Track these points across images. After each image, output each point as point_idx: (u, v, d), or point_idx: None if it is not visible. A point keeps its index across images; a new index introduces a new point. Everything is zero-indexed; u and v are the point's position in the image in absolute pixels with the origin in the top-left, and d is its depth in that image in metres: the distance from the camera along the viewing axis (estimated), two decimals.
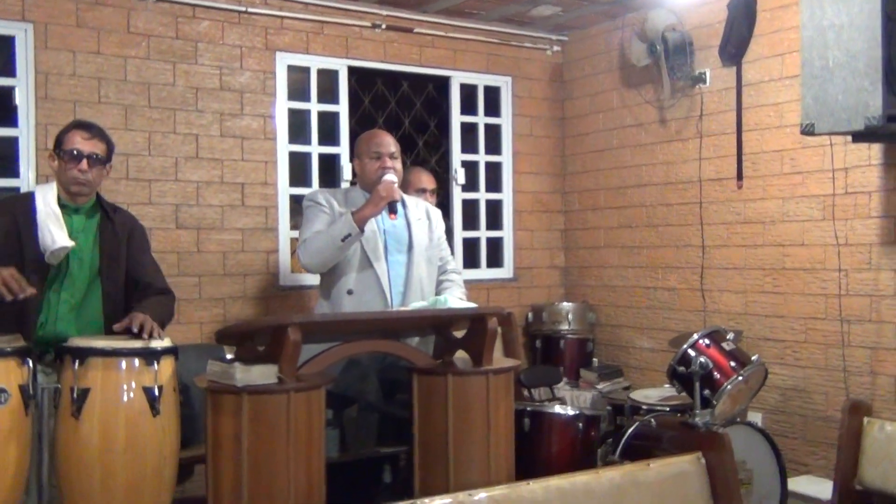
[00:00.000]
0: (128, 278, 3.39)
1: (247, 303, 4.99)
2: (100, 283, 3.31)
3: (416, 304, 3.60)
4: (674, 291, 5.46)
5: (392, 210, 3.67)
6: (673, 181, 5.47)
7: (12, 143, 4.49)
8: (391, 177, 3.67)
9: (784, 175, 4.80)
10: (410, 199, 3.97)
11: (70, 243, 3.19)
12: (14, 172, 4.49)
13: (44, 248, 3.16)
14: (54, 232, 3.18)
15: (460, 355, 3.54)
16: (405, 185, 4.59)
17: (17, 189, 4.46)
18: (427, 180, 4.67)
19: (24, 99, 4.48)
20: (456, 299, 3.58)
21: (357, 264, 3.69)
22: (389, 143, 3.80)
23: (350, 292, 3.68)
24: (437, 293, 3.84)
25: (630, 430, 4.01)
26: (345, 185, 5.37)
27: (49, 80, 4.51)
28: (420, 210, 3.92)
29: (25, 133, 4.48)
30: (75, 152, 3.27)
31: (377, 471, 3.69)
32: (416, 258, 3.76)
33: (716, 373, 3.93)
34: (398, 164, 3.79)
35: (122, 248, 3.38)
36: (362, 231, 3.58)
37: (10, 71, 4.50)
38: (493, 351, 3.37)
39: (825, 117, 3.68)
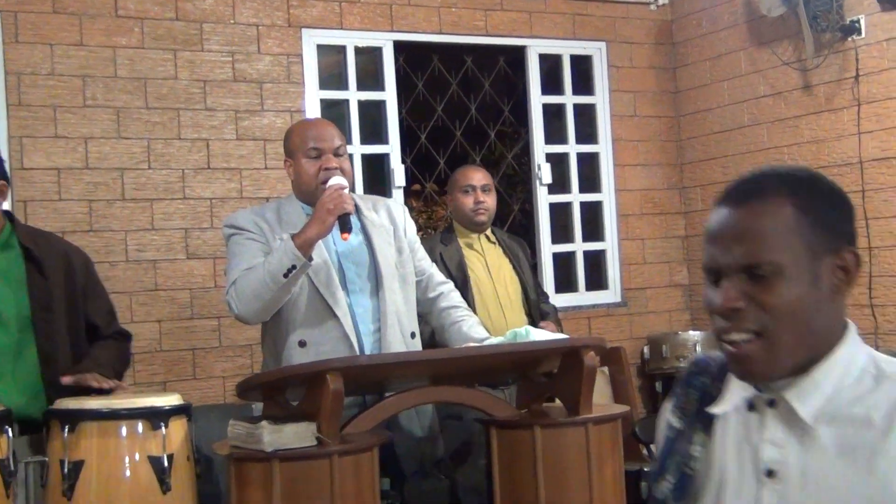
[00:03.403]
0: (75, 328, 3.41)
1: None
2: (34, 343, 3.30)
3: (491, 341, 3.62)
4: None
5: (345, 227, 3.40)
6: (825, 164, 5.40)
7: None
8: (338, 180, 3.46)
9: None
10: (363, 201, 3.75)
11: None
12: None
13: None
14: None
15: (551, 404, 3.57)
16: (451, 190, 4.59)
17: None
18: (476, 175, 4.52)
19: None
20: (540, 330, 3.60)
21: (305, 305, 3.49)
22: (333, 136, 3.59)
23: (302, 344, 3.47)
24: (438, 324, 3.75)
25: None
26: (397, 191, 5.46)
27: (22, 81, 4.70)
28: (379, 213, 3.72)
29: None
30: None
31: None
32: (387, 281, 3.56)
33: None
34: (346, 164, 3.59)
35: (56, 292, 3.36)
36: (310, 259, 3.36)
37: None
38: (592, 394, 3.38)
39: None
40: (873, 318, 5.18)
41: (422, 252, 3.80)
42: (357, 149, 5.43)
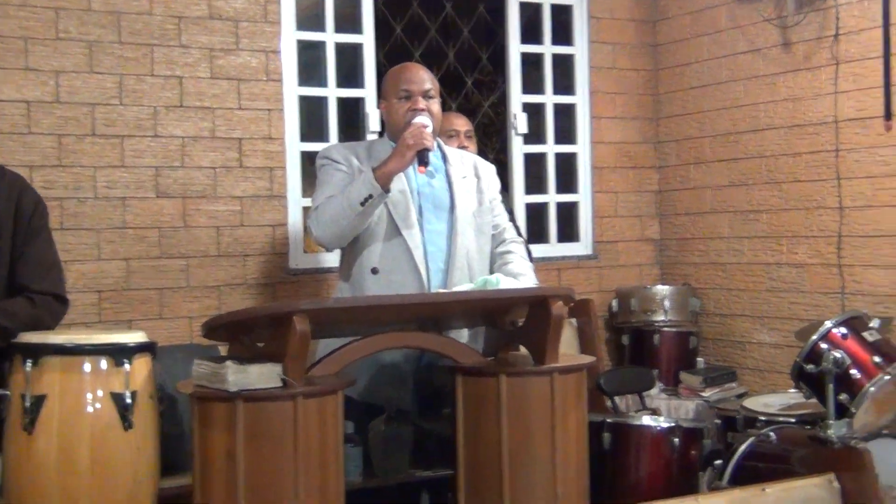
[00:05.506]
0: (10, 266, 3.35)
1: (248, 291, 5.08)
2: None
3: (460, 287, 3.64)
4: (803, 268, 5.42)
5: (422, 161, 3.64)
6: (801, 123, 5.42)
7: None
8: (422, 119, 3.70)
9: None
10: (454, 152, 4.03)
11: None
12: None
13: None
14: None
15: (519, 352, 3.58)
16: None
17: None
18: (458, 122, 4.75)
19: None
20: (509, 279, 3.60)
21: (383, 235, 3.74)
22: (423, 79, 3.85)
23: (374, 271, 3.73)
24: (494, 270, 3.88)
25: (742, 449, 4.02)
26: (372, 137, 5.43)
27: None
28: (466, 165, 3.98)
29: None
30: None
31: (411, 500, 3.74)
32: (461, 226, 3.82)
33: (854, 371, 3.91)
34: (435, 106, 3.84)
35: (5, 223, 3.34)
36: (387, 191, 3.61)
37: None
38: (558, 344, 3.39)
39: None
40: (841, 277, 5.20)
41: (500, 209, 4.03)
42: (333, 92, 5.38)
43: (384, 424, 3.59)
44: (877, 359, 3.95)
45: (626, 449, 4.05)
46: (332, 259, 5.02)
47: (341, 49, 5.44)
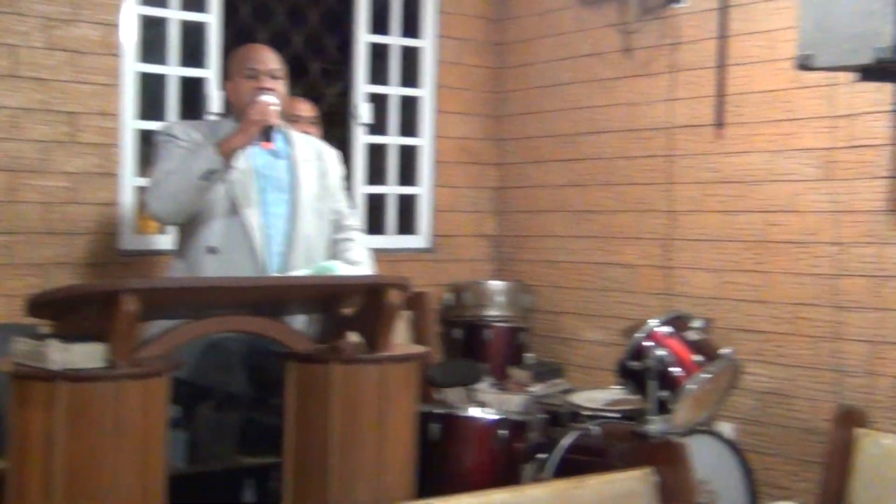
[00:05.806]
0: None
1: (75, 270, 4.94)
2: None
3: (297, 272, 3.65)
4: (632, 269, 5.57)
5: (267, 137, 3.71)
6: (637, 128, 5.57)
7: None
8: (268, 97, 3.72)
9: (775, 122, 4.94)
10: (298, 136, 4.04)
11: None
12: None
13: None
14: None
15: (353, 340, 3.59)
16: None
17: None
18: (302, 107, 4.76)
19: None
20: (347, 266, 3.62)
21: (221, 213, 3.73)
22: (270, 59, 3.90)
23: (212, 250, 3.71)
24: (333, 257, 3.89)
25: (565, 442, 4.11)
26: (212, 118, 5.35)
27: None
28: (309, 150, 4.00)
29: None
30: None
31: (236, 487, 3.73)
32: (302, 209, 3.84)
33: (675, 369, 4.05)
34: (280, 86, 3.86)
35: None
36: (229, 166, 3.60)
37: None
38: (390, 333, 3.42)
39: (827, 48, 3.78)
40: (667, 278, 5.37)
41: (342, 196, 4.09)
42: (175, 70, 5.28)
43: (212, 410, 3.55)
44: (697, 357, 4.10)
45: (453, 440, 4.11)
46: (165, 241, 4.93)
47: (186, 27, 5.35)
